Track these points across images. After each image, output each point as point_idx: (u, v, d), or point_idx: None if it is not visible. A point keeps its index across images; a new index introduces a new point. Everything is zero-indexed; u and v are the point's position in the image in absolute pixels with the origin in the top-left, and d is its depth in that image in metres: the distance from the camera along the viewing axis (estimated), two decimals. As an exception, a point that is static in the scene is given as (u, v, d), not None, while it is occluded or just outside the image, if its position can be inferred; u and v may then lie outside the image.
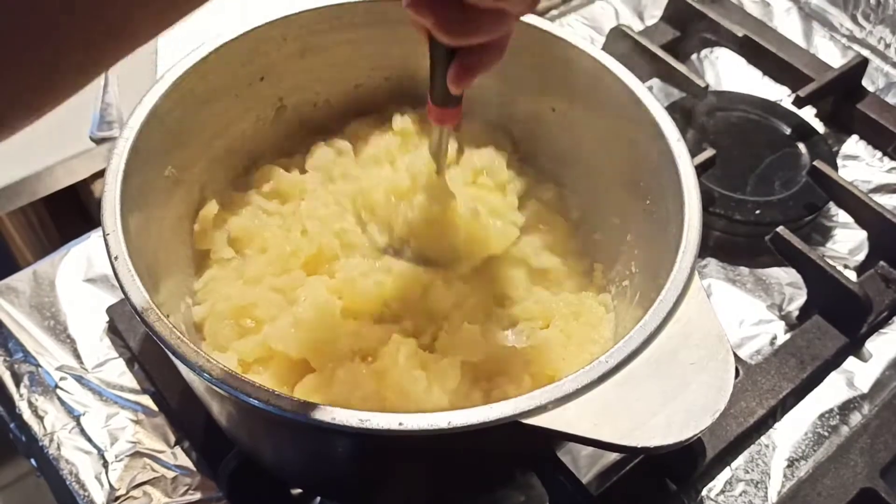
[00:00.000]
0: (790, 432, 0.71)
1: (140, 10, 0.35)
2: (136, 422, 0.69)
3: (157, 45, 0.72)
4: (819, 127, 0.94)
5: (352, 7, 0.70)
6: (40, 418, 0.69)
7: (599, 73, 0.68)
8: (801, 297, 0.79)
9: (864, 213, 0.82)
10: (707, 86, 0.91)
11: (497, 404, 0.48)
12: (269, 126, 0.75)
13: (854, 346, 0.76)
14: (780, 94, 0.98)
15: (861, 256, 0.83)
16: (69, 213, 1.02)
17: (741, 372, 0.72)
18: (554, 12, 1.06)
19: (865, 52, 1.02)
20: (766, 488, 0.68)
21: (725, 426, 0.69)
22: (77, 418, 0.69)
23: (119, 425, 0.69)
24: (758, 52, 0.99)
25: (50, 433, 0.68)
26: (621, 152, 0.68)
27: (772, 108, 0.94)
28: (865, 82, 0.97)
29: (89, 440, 0.68)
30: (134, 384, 0.71)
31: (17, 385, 0.71)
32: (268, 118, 0.74)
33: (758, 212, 0.83)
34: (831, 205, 0.86)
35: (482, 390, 0.59)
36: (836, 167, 0.88)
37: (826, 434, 0.71)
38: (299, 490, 0.66)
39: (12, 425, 0.71)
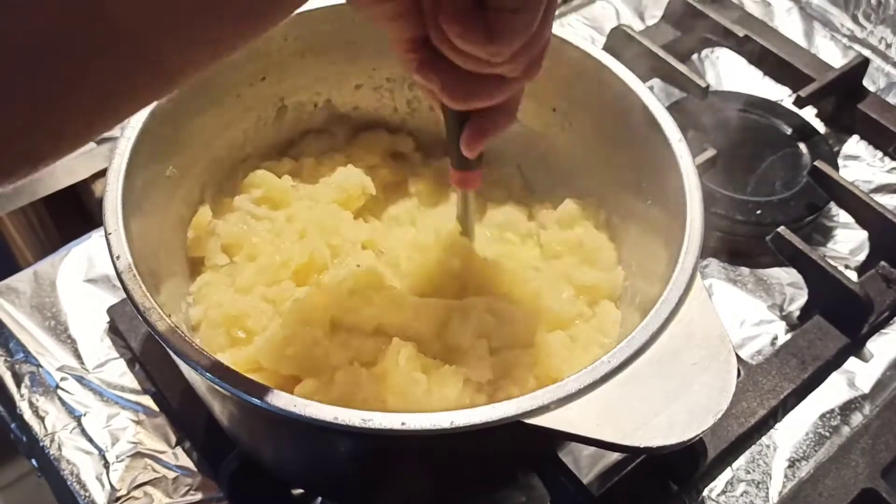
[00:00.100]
0: (791, 432, 0.71)
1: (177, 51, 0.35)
2: (137, 422, 0.69)
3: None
4: (820, 127, 0.94)
5: (353, 7, 0.70)
6: (41, 419, 0.69)
7: (600, 73, 0.68)
8: (802, 298, 0.79)
9: (864, 213, 0.82)
10: (708, 86, 0.91)
11: (499, 404, 0.48)
12: (270, 126, 0.75)
13: (855, 347, 0.76)
14: (781, 94, 0.98)
15: (862, 256, 0.83)
16: (70, 213, 1.02)
17: (742, 372, 0.72)
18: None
19: (866, 52, 1.02)
20: (768, 489, 0.68)
21: (726, 426, 0.69)
22: (78, 418, 0.69)
23: (120, 426, 0.69)
24: (759, 53, 0.99)
25: (51, 433, 0.68)
26: (622, 152, 0.68)
27: (773, 108, 0.94)
28: (866, 82, 0.97)
29: (90, 440, 0.68)
30: (135, 384, 0.71)
31: (18, 385, 0.71)
32: (269, 118, 0.74)
33: (759, 212, 0.83)
34: (832, 205, 0.86)
35: (486, 393, 0.59)
36: (836, 167, 0.88)
37: (827, 434, 0.71)
38: (300, 490, 0.66)
39: (13, 425, 0.71)
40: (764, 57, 0.99)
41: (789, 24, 1.07)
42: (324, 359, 0.59)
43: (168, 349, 0.51)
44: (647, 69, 0.93)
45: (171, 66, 0.35)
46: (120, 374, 0.72)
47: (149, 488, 0.65)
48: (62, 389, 0.70)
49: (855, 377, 0.74)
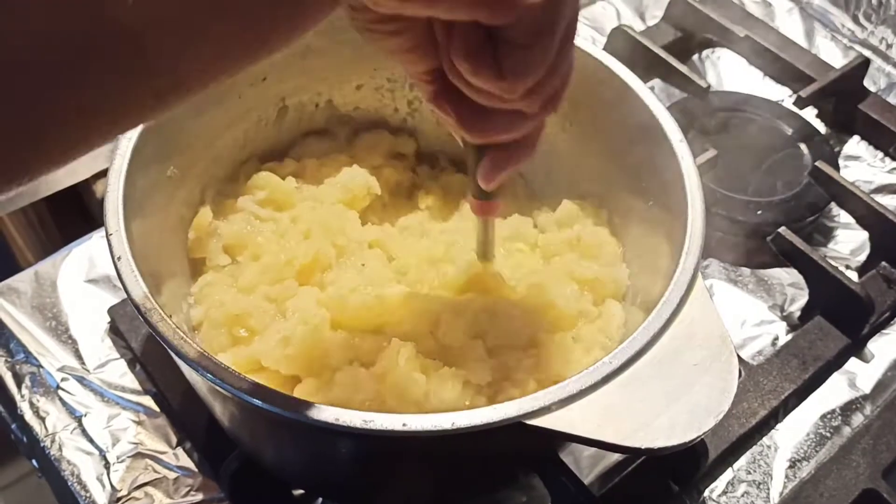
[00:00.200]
0: (792, 433, 0.71)
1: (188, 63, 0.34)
2: (138, 422, 0.69)
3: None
4: (821, 127, 0.94)
5: (354, 7, 0.70)
6: (42, 419, 0.69)
7: (601, 73, 0.68)
8: (802, 298, 0.79)
9: (865, 213, 0.82)
10: (709, 86, 0.91)
11: (501, 405, 0.48)
12: (270, 126, 0.75)
13: (856, 347, 0.76)
14: (782, 95, 0.98)
15: (863, 257, 0.83)
16: (71, 213, 1.02)
17: (743, 373, 0.72)
18: (555, 13, 1.06)
19: (867, 53, 1.02)
20: (768, 489, 0.68)
21: (727, 427, 0.69)
22: (78, 419, 0.69)
23: (121, 426, 0.69)
24: (759, 53, 0.99)
25: (51, 434, 0.68)
26: (623, 153, 0.68)
27: (773, 108, 0.94)
28: (867, 83, 0.97)
29: (91, 441, 0.68)
30: (135, 385, 0.71)
31: (19, 386, 0.71)
32: (270, 118, 0.74)
33: (759, 212, 0.83)
34: (833, 205, 0.86)
35: (486, 395, 0.59)
36: (837, 168, 0.88)
37: (828, 435, 0.71)
38: (301, 491, 0.66)
39: (14, 426, 0.71)
40: (765, 57, 0.99)
41: (790, 24, 1.07)
42: (324, 359, 0.59)
43: (169, 350, 0.51)
44: (648, 69, 0.93)
45: (178, 71, 0.34)
46: (121, 374, 0.72)
47: (149, 489, 0.65)
48: (63, 390, 0.70)
49: (856, 378, 0.74)
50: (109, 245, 0.54)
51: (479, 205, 0.59)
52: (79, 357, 0.73)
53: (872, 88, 0.98)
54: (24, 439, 0.70)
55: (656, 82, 0.95)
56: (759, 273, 0.82)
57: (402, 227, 0.73)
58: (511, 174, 0.54)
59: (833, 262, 0.76)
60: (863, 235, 0.84)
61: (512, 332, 0.62)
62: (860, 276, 0.81)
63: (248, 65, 0.37)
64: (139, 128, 0.60)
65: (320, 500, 0.66)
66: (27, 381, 0.71)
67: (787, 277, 0.81)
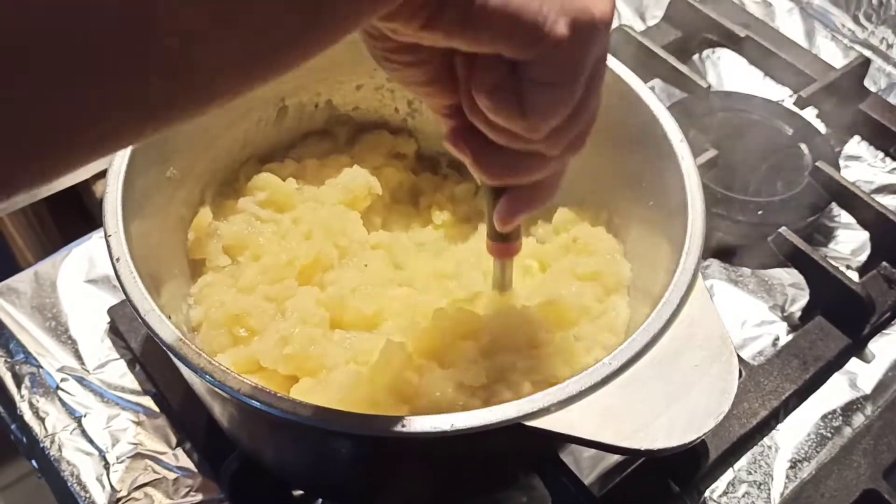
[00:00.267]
0: (793, 433, 0.71)
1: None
2: (138, 423, 0.69)
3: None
4: (821, 127, 0.94)
5: (354, 7, 0.70)
6: (41, 419, 0.69)
7: (601, 74, 0.67)
8: (803, 298, 0.79)
9: (866, 213, 0.81)
10: (709, 86, 0.91)
11: (499, 406, 0.48)
12: (270, 127, 0.75)
13: (857, 347, 0.76)
14: (782, 95, 0.98)
15: (863, 257, 0.83)
16: (70, 213, 1.02)
17: (744, 373, 0.72)
18: (555, 13, 1.06)
19: (867, 53, 1.02)
20: (769, 490, 0.68)
21: (728, 427, 0.69)
22: (78, 419, 0.69)
23: (120, 426, 0.69)
24: (760, 53, 0.99)
25: (51, 434, 0.68)
26: (624, 153, 0.68)
27: (774, 108, 0.93)
28: (867, 83, 0.97)
29: (90, 441, 0.68)
30: (135, 385, 0.71)
31: (19, 386, 0.71)
32: (269, 119, 0.74)
33: (760, 212, 0.83)
34: (833, 205, 0.85)
35: (480, 398, 0.59)
36: (838, 168, 0.88)
37: (829, 435, 0.71)
38: (301, 491, 0.66)
39: (13, 426, 0.71)
40: (765, 57, 0.99)
41: (790, 24, 1.06)
42: (321, 358, 0.59)
43: (167, 351, 0.51)
44: (648, 69, 0.93)
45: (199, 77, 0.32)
46: (120, 374, 0.72)
47: (149, 489, 0.65)
48: (62, 390, 0.70)
49: (857, 378, 0.74)
50: (108, 246, 0.54)
51: (496, 247, 0.57)
52: (78, 357, 0.73)
53: (873, 88, 0.98)
54: (24, 440, 0.70)
55: (656, 82, 0.95)
56: (760, 273, 0.82)
57: (418, 242, 0.73)
58: (528, 216, 0.51)
59: (834, 263, 0.76)
60: (863, 235, 0.84)
61: (510, 334, 0.61)
62: (861, 276, 0.81)
63: (263, 77, 0.35)
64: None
65: (320, 501, 0.66)
66: (27, 382, 0.71)
67: (787, 277, 0.81)
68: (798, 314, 0.79)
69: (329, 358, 0.59)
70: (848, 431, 0.71)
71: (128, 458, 0.67)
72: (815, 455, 0.70)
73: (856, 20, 1.07)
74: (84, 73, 0.28)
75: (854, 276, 0.81)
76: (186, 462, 0.67)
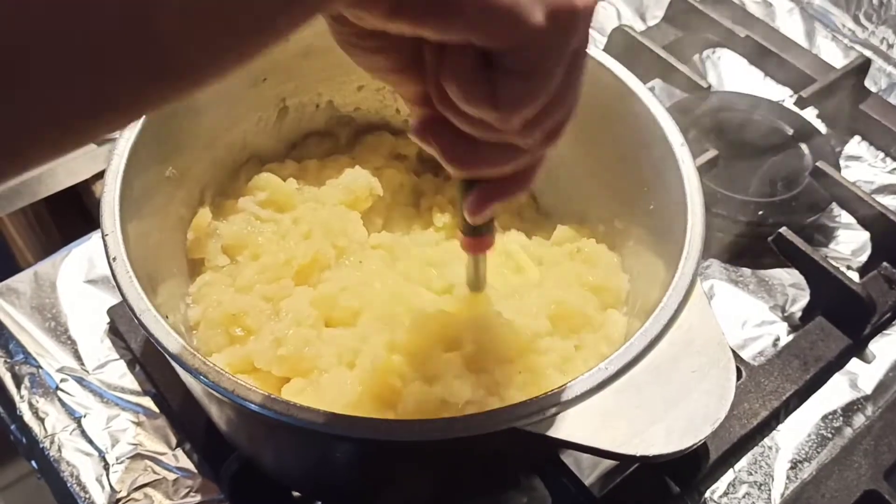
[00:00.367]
0: (793, 434, 0.71)
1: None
2: (137, 423, 0.69)
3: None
4: (821, 128, 0.94)
5: (354, 7, 0.70)
6: (41, 420, 0.69)
7: (601, 74, 0.67)
8: (803, 299, 0.79)
9: (866, 213, 0.81)
10: (709, 86, 0.91)
11: (495, 411, 0.48)
12: (271, 127, 0.75)
13: (857, 348, 0.75)
14: (783, 95, 0.98)
15: (864, 257, 0.83)
16: (70, 213, 1.02)
17: (744, 373, 0.72)
18: (556, 13, 1.06)
19: (868, 53, 1.02)
20: (770, 490, 0.68)
21: (728, 428, 0.69)
22: (78, 420, 0.69)
23: (120, 427, 0.68)
24: (760, 53, 0.99)
25: (51, 435, 0.68)
26: (624, 155, 0.68)
27: (774, 108, 0.93)
28: (868, 83, 0.97)
29: (90, 442, 0.68)
30: (135, 386, 0.71)
31: (18, 386, 0.71)
32: (270, 119, 0.74)
33: (760, 213, 0.83)
34: (834, 206, 0.85)
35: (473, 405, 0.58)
36: (838, 168, 0.87)
37: (829, 436, 0.71)
38: (299, 493, 0.66)
39: (13, 427, 0.71)
40: (765, 57, 0.99)
41: (790, 24, 1.06)
42: (315, 360, 0.59)
43: (163, 352, 0.51)
44: (649, 70, 0.93)
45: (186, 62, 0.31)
46: (120, 375, 0.72)
47: (149, 490, 0.65)
48: (62, 391, 0.70)
49: (857, 378, 0.74)
50: (105, 246, 0.54)
51: (467, 242, 0.55)
52: (78, 358, 0.73)
53: (873, 89, 0.98)
54: (24, 440, 0.70)
55: (657, 82, 0.95)
56: (760, 273, 0.82)
57: (418, 243, 0.72)
58: (502, 207, 0.50)
59: (834, 263, 0.76)
60: (864, 236, 0.84)
61: (494, 344, 0.59)
62: (861, 276, 0.81)
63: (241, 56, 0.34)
64: (137, 128, 0.59)
65: (318, 503, 0.66)
66: (26, 382, 0.71)
67: (788, 278, 0.81)
68: (798, 314, 0.79)
69: (322, 360, 0.59)
70: (849, 432, 0.71)
71: (127, 458, 0.67)
72: (815, 456, 0.70)
73: (856, 20, 1.06)
74: (84, 72, 0.28)
75: (854, 276, 0.81)
76: (186, 463, 0.67)
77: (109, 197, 0.56)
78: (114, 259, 0.53)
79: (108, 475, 0.66)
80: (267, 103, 0.73)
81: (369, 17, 0.37)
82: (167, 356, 0.50)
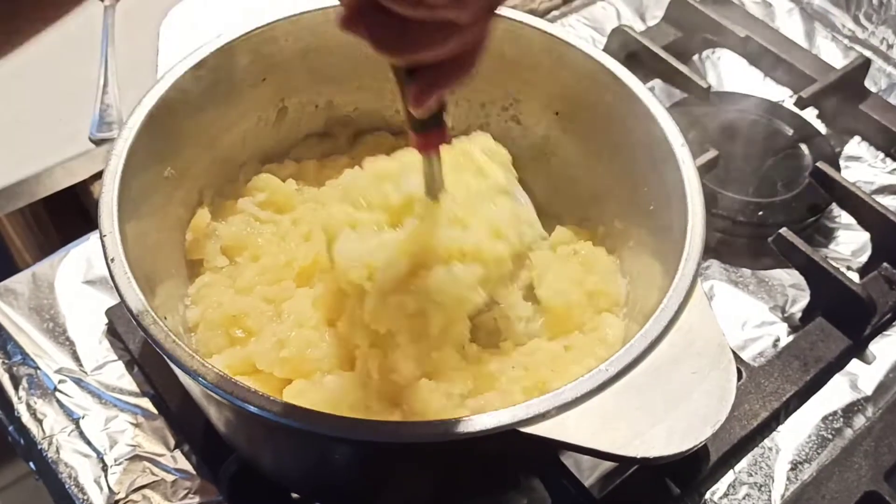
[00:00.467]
0: (794, 435, 0.71)
1: None
2: (136, 425, 0.69)
3: (158, 45, 0.72)
4: (821, 128, 0.94)
5: (353, 7, 0.70)
6: (39, 421, 0.69)
7: (601, 75, 0.67)
8: (804, 299, 0.79)
9: (866, 214, 0.81)
10: (709, 86, 0.91)
11: (495, 412, 0.48)
12: (270, 127, 0.74)
13: (858, 349, 0.75)
14: (783, 95, 0.98)
15: (864, 258, 0.83)
16: (69, 214, 1.01)
17: (744, 374, 0.72)
18: (555, 13, 1.06)
19: (868, 53, 1.02)
20: (770, 491, 0.67)
21: (729, 429, 0.69)
22: (76, 421, 0.68)
23: (118, 428, 0.68)
24: (760, 53, 0.99)
25: (49, 436, 0.68)
26: (624, 155, 0.68)
27: (774, 108, 0.93)
28: (868, 83, 0.97)
29: (88, 443, 0.67)
30: (133, 387, 0.71)
31: (16, 387, 0.70)
32: (269, 119, 0.74)
33: (760, 213, 0.83)
34: (834, 206, 0.85)
35: (470, 408, 0.58)
36: (838, 168, 0.87)
37: (830, 437, 0.71)
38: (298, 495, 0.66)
39: (11, 428, 0.70)
40: (765, 57, 0.99)
41: (790, 24, 1.06)
42: (318, 362, 0.59)
43: (160, 352, 0.50)
44: (648, 70, 0.93)
45: None
46: (118, 376, 0.72)
47: (147, 491, 0.65)
48: (60, 392, 0.70)
49: (857, 379, 0.74)
50: (103, 246, 0.54)
51: (418, 140, 0.52)
52: (76, 359, 0.72)
53: (873, 89, 0.98)
54: (22, 441, 0.70)
55: (656, 83, 0.95)
56: (760, 274, 0.82)
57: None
58: (446, 95, 0.46)
59: (834, 263, 0.76)
60: (864, 236, 0.83)
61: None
62: (861, 277, 0.81)
63: None
64: (136, 128, 0.59)
65: None
66: (24, 383, 0.71)
67: (788, 278, 0.81)
68: (799, 315, 0.78)
69: (325, 361, 0.59)
70: (849, 433, 0.71)
71: (126, 459, 0.66)
72: (815, 457, 0.69)
73: (856, 20, 1.06)
74: None
75: (855, 276, 0.81)
76: (185, 464, 0.67)
77: (108, 197, 0.56)
78: (112, 260, 0.53)
79: (106, 476, 0.66)
80: (266, 103, 0.73)
81: None
82: (165, 357, 0.50)
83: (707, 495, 0.67)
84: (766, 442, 0.70)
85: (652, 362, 0.51)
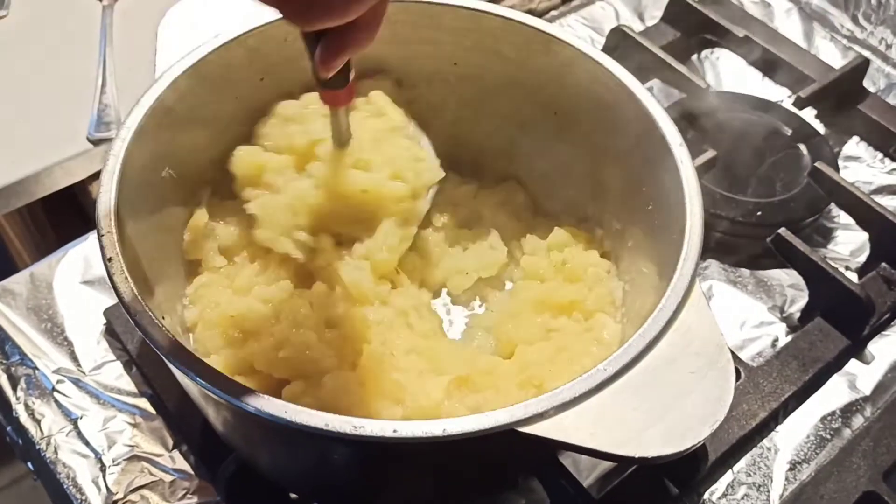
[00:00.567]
0: (792, 435, 0.71)
1: None
2: (134, 425, 0.69)
3: (157, 45, 0.72)
4: (820, 128, 0.94)
5: (351, 7, 0.70)
6: (37, 421, 0.68)
7: (600, 74, 0.67)
8: (802, 299, 0.79)
9: (865, 214, 0.81)
10: (708, 86, 0.91)
11: (493, 412, 0.48)
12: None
13: (856, 349, 0.75)
14: (781, 95, 0.98)
15: (862, 258, 0.83)
16: (67, 214, 1.01)
17: (743, 374, 0.72)
18: (554, 13, 1.06)
19: (866, 53, 1.02)
20: (769, 491, 0.67)
21: (727, 429, 0.69)
22: (74, 421, 0.68)
23: (117, 428, 0.68)
24: (758, 53, 0.99)
25: (47, 436, 0.68)
26: (623, 155, 0.68)
27: (773, 108, 0.93)
28: (866, 83, 0.97)
29: (87, 443, 0.67)
30: (131, 387, 0.71)
31: (14, 388, 0.70)
32: (268, 119, 0.74)
33: (759, 213, 0.83)
34: (833, 206, 0.85)
35: (468, 406, 0.58)
36: (837, 168, 0.87)
37: (828, 437, 0.71)
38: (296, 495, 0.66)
39: (9, 428, 0.70)
40: (764, 58, 0.99)
41: (789, 24, 1.06)
42: (316, 362, 0.59)
43: (158, 352, 0.50)
44: (647, 70, 0.93)
45: None
46: (117, 376, 0.71)
47: (146, 492, 0.65)
48: (58, 392, 0.70)
49: (856, 379, 0.74)
50: (101, 246, 0.53)
51: (325, 95, 0.59)
52: (74, 359, 0.72)
53: (872, 89, 0.98)
54: (20, 442, 0.70)
55: (655, 83, 0.95)
56: (759, 274, 0.82)
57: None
58: (351, 56, 0.51)
59: (833, 264, 0.76)
60: (862, 236, 0.83)
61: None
62: (860, 277, 0.81)
63: None
64: (134, 129, 0.59)
65: (316, 504, 0.66)
66: (22, 384, 0.70)
67: (786, 279, 0.81)
68: (797, 315, 0.78)
69: (324, 361, 0.59)
70: (847, 433, 0.71)
71: (124, 460, 0.66)
72: (814, 457, 0.69)
73: (855, 20, 1.06)
74: None
75: (853, 277, 0.81)
76: (183, 464, 0.67)
77: (106, 197, 0.56)
78: (110, 260, 0.53)
79: (104, 477, 0.66)
80: (265, 104, 0.73)
81: None
82: (163, 358, 0.50)
83: (705, 495, 0.67)
84: (765, 442, 0.70)
85: (650, 362, 0.51)
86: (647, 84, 0.86)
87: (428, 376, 0.60)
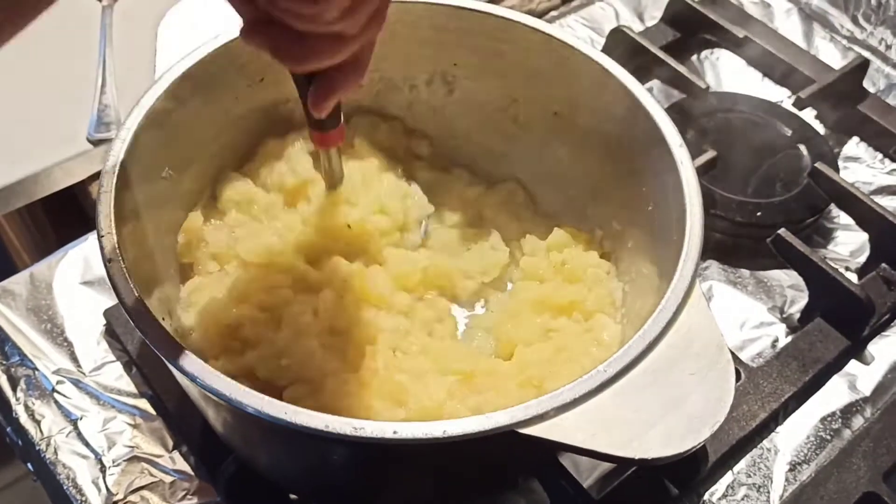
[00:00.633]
0: (792, 436, 0.71)
1: None
2: (134, 426, 0.68)
3: (157, 45, 0.72)
4: (820, 128, 0.94)
5: (350, 8, 0.70)
6: (37, 422, 0.68)
7: (599, 75, 0.67)
8: (802, 300, 0.79)
9: (865, 214, 0.81)
10: (707, 87, 0.91)
11: (493, 413, 0.48)
12: (268, 128, 0.74)
13: (856, 349, 0.75)
14: (781, 96, 0.98)
15: (862, 258, 0.83)
16: (67, 214, 1.01)
17: (743, 375, 0.72)
18: (553, 13, 1.06)
19: (866, 54, 1.02)
20: (769, 492, 0.67)
21: (727, 430, 0.69)
22: (74, 422, 0.68)
23: (117, 429, 0.68)
24: (758, 54, 0.99)
25: (47, 437, 0.68)
26: (623, 156, 0.68)
27: (772, 109, 0.93)
28: (866, 84, 0.97)
29: (87, 444, 0.67)
30: (131, 388, 0.71)
31: (14, 389, 0.70)
32: (268, 119, 0.74)
33: (759, 213, 0.83)
34: (832, 206, 0.85)
35: (469, 407, 0.58)
36: (837, 169, 0.87)
37: (828, 438, 0.71)
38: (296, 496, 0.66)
39: (9, 429, 0.70)
40: (763, 58, 0.99)
41: (789, 25, 1.06)
42: (319, 369, 0.59)
43: (158, 353, 0.50)
44: (647, 70, 0.93)
45: None
46: (116, 377, 0.71)
47: (145, 493, 0.65)
48: (58, 393, 0.70)
49: (856, 380, 0.74)
50: (101, 247, 0.53)
51: (317, 136, 0.59)
52: (74, 360, 0.72)
53: (872, 89, 0.98)
54: (20, 442, 0.69)
55: (655, 83, 0.95)
56: (759, 275, 0.82)
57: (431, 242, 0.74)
58: (343, 97, 0.52)
59: (833, 264, 0.76)
60: (862, 237, 0.83)
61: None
62: (860, 277, 0.81)
63: None
64: (133, 129, 0.59)
65: (316, 504, 0.66)
66: (22, 384, 0.70)
67: (786, 279, 0.81)
68: (797, 316, 0.78)
69: (326, 366, 0.59)
70: (847, 434, 0.71)
71: (124, 461, 0.66)
72: (814, 458, 0.69)
73: (854, 21, 1.06)
74: None
75: (853, 277, 0.81)
76: (183, 465, 0.67)
77: (106, 198, 0.56)
78: (109, 261, 0.53)
79: (104, 478, 0.65)
80: (264, 104, 0.73)
81: None
82: (163, 359, 0.50)
83: (706, 496, 0.67)
84: (765, 443, 0.70)
85: (650, 363, 0.51)
86: (646, 84, 0.87)
87: (431, 377, 0.59)
